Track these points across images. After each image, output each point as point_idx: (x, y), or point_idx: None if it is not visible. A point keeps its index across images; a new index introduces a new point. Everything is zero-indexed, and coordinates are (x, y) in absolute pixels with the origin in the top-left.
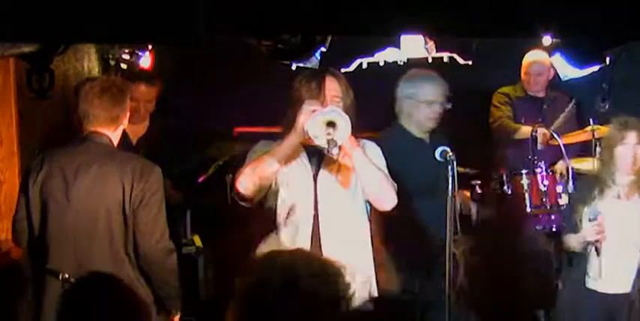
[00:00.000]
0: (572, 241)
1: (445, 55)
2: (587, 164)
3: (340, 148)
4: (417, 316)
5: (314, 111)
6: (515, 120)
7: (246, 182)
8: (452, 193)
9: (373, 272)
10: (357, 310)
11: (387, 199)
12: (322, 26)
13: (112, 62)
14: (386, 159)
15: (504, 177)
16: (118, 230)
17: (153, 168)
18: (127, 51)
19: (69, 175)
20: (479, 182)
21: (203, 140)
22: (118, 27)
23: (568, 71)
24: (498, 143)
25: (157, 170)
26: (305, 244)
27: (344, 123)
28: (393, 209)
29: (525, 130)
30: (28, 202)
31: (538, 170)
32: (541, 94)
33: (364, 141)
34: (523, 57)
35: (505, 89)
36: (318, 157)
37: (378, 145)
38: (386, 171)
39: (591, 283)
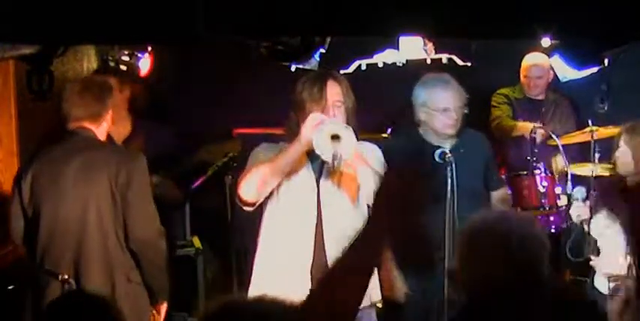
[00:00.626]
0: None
1: (444, 57)
2: (586, 169)
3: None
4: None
5: (318, 124)
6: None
7: (249, 189)
8: (451, 195)
9: (377, 276)
10: None
11: None
12: (322, 27)
13: (112, 63)
14: (399, 164)
15: (504, 178)
16: (109, 219)
17: (138, 154)
18: (126, 52)
19: (57, 168)
20: None
21: (197, 142)
22: (118, 27)
23: (567, 72)
24: (498, 144)
25: (142, 156)
26: (308, 249)
27: (347, 134)
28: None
29: (523, 126)
30: (22, 203)
31: (537, 171)
32: (540, 97)
33: (364, 143)
34: (522, 58)
35: (504, 90)
36: (321, 163)
37: (388, 148)
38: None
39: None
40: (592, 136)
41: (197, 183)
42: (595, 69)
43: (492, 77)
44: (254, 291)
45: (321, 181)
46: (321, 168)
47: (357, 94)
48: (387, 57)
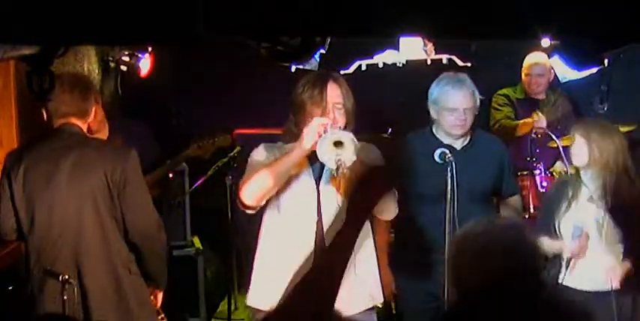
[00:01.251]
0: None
1: (444, 57)
2: None
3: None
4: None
5: (319, 134)
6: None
7: (250, 193)
8: (451, 195)
9: (378, 278)
10: None
11: (389, 210)
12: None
13: (112, 64)
14: (409, 161)
15: None
16: (106, 214)
17: (129, 149)
18: (126, 53)
19: (49, 165)
20: None
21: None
22: (118, 28)
23: (567, 73)
24: None
25: (134, 151)
26: (308, 252)
27: (349, 139)
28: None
29: (524, 123)
30: (13, 199)
31: (537, 172)
32: (541, 96)
33: (364, 144)
34: (522, 59)
35: (505, 91)
36: (321, 167)
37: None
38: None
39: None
40: None
41: (197, 183)
42: (595, 69)
43: (492, 77)
44: (254, 292)
45: (321, 184)
46: (321, 171)
47: (357, 95)
48: (387, 57)
